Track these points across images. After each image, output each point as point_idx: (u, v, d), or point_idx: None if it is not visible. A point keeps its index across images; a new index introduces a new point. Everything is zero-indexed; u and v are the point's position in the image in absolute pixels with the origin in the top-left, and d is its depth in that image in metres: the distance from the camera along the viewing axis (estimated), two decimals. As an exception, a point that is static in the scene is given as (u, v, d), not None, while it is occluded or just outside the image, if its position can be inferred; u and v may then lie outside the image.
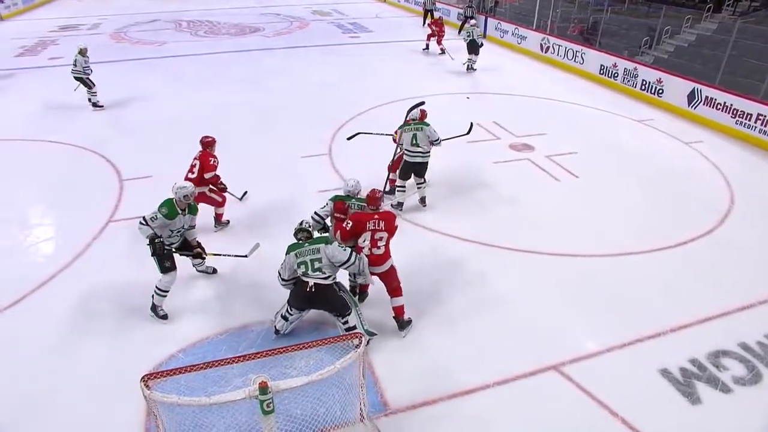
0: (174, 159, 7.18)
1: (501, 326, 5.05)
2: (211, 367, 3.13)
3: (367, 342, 4.46)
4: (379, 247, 4.72)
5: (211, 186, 6.29)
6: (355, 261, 4.48)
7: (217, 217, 6.59)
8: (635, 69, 12.16)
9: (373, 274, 4.81)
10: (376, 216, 4.74)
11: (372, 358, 4.56)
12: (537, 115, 10.79)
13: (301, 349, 3.30)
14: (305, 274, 4.38)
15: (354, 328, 4.55)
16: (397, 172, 7.05)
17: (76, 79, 10.27)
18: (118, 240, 6.16)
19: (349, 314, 4.56)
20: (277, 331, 4.76)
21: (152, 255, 4.79)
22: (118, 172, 7.91)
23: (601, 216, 7.02)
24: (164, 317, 5.02)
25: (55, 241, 6.39)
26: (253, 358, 3.20)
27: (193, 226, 5.11)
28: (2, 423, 3.99)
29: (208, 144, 6.24)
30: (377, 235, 4.71)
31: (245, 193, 7.24)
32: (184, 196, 4.79)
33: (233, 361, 3.18)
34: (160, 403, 3.02)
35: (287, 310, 4.63)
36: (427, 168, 6.96)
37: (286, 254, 4.46)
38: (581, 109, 11.32)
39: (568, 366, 4.55)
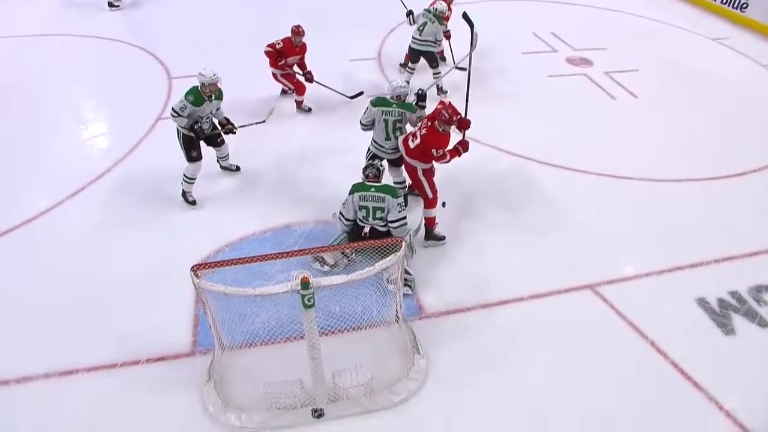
0: (221, 58, 7.14)
1: (541, 242, 5.05)
2: (256, 261, 3.26)
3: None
4: (413, 141, 4.68)
5: (289, 71, 6.66)
6: (401, 227, 4.37)
7: (297, 104, 6.94)
8: (718, -22, 10.95)
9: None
10: (425, 132, 4.58)
11: (412, 264, 4.62)
12: (599, 28, 10.02)
13: (341, 249, 3.40)
14: (365, 218, 4.35)
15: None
16: None
17: None
18: (168, 137, 6.25)
19: None
20: (323, 262, 4.57)
21: (182, 144, 5.08)
22: (166, 70, 7.93)
23: (656, 140, 6.67)
24: (193, 203, 5.34)
25: (109, 136, 6.60)
26: (296, 255, 3.32)
27: (219, 108, 5.27)
28: (57, 306, 4.32)
29: (291, 31, 6.54)
30: (420, 133, 4.63)
31: (360, 93, 7.09)
32: (202, 84, 4.89)
33: (277, 256, 3.30)
34: (208, 292, 3.19)
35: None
36: (434, 59, 7.03)
37: (349, 194, 4.36)
38: (648, 23, 10.39)
39: (604, 286, 4.56)
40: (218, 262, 3.29)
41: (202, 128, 5.04)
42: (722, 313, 4.39)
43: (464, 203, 5.46)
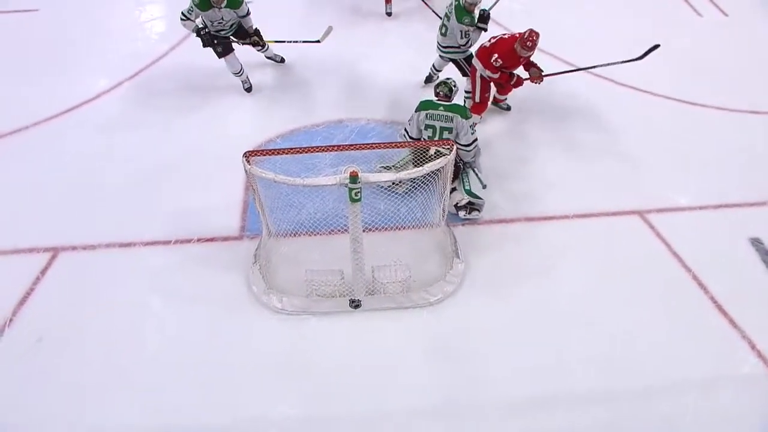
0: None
1: (595, 163, 4.91)
2: (307, 152, 3.29)
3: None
4: (489, 42, 4.73)
5: None
6: (472, 150, 4.19)
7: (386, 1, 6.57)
8: None
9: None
10: (506, 37, 4.61)
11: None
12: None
13: (393, 147, 3.36)
14: (430, 138, 4.13)
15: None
16: None
17: None
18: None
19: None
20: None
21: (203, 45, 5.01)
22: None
23: (739, 66, 6.09)
24: (248, 89, 5.41)
25: (166, 19, 6.55)
26: (346, 150, 3.33)
27: (244, 15, 5.00)
28: (117, 184, 4.53)
29: None
30: (500, 36, 4.70)
31: None
32: None
33: (328, 149, 3.33)
34: (259, 178, 3.28)
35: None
36: None
37: (416, 111, 4.16)
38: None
39: (654, 214, 4.44)
40: (270, 150, 3.33)
41: (209, 33, 4.90)
42: (775, 255, 4.23)
43: (519, 115, 5.29)
